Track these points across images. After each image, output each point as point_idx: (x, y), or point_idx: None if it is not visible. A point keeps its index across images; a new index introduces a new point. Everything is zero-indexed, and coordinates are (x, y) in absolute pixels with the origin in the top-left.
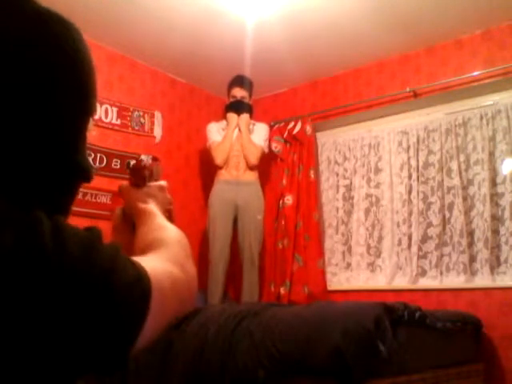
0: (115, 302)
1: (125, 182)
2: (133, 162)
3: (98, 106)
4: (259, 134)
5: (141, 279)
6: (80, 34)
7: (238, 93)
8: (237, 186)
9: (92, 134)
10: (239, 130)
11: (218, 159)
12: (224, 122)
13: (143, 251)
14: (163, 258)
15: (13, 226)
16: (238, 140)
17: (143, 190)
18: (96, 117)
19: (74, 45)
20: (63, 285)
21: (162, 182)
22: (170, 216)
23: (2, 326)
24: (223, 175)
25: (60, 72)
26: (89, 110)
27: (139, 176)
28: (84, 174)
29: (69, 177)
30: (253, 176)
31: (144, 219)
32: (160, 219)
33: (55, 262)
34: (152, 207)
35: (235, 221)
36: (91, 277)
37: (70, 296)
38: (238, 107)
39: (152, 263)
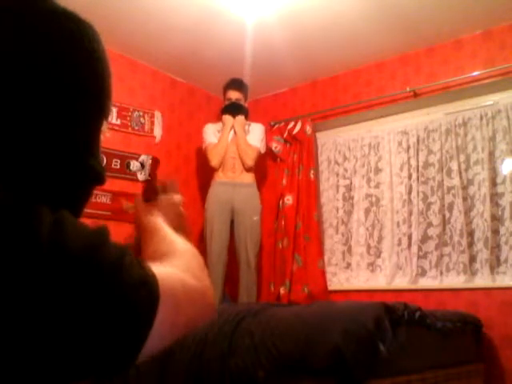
0: (119, 303)
1: (138, 196)
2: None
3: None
4: (255, 135)
5: (148, 281)
6: (97, 34)
7: (233, 95)
8: (233, 187)
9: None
10: (235, 132)
11: (213, 161)
12: (220, 124)
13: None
14: (175, 266)
15: (8, 217)
16: (234, 142)
17: (153, 203)
18: None
19: (90, 45)
20: (58, 281)
21: (176, 196)
22: (182, 230)
23: None
24: (220, 177)
25: (76, 73)
26: (104, 113)
27: (150, 190)
28: (97, 177)
29: (82, 180)
30: (249, 177)
31: (149, 232)
32: (168, 232)
33: (50, 256)
34: (158, 220)
35: (232, 222)
36: (92, 274)
37: (66, 294)
38: (233, 110)
39: (162, 269)
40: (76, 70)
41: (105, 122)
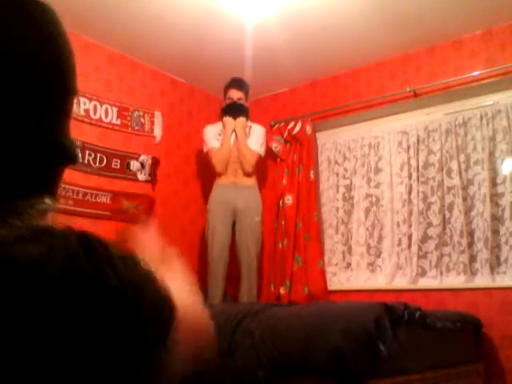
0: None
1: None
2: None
3: (97, 104)
4: (255, 139)
5: (170, 301)
6: (58, 17)
7: (234, 94)
8: (235, 189)
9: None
10: (236, 135)
11: (219, 167)
12: (220, 125)
13: None
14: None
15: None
16: (236, 146)
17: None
18: (96, 117)
19: (52, 27)
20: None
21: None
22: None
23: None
24: (222, 179)
25: (39, 54)
26: (70, 91)
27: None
28: (68, 155)
29: (52, 159)
30: (251, 180)
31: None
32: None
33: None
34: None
35: (234, 223)
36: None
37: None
38: (234, 110)
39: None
40: (40, 51)
41: (75, 105)
